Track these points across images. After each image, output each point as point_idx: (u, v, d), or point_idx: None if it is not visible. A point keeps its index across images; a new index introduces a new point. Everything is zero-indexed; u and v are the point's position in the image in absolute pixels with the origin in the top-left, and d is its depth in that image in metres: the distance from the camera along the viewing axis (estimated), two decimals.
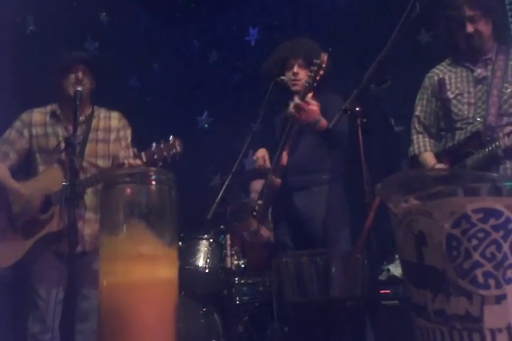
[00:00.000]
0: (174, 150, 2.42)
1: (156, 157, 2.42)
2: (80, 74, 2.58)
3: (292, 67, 2.70)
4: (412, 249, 0.64)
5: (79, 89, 2.48)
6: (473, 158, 2.33)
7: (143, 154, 2.45)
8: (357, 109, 1.98)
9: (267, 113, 2.66)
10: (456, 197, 0.60)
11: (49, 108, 2.71)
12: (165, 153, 2.42)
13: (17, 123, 2.66)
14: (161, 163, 2.42)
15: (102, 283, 0.65)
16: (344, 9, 4.45)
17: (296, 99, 2.52)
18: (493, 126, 2.36)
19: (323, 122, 2.47)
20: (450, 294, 0.59)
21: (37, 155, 2.61)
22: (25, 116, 2.68)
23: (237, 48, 5.03)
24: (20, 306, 2.61)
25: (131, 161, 2.42)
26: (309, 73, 2.47)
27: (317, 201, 2.58)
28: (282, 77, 2.68)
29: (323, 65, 2.40)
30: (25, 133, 2.63)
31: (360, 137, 1.95)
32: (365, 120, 1.99)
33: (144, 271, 0.64)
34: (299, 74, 2.68)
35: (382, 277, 3.05)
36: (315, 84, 2.47)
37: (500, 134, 2.28)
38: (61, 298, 2.43)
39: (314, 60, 2.46)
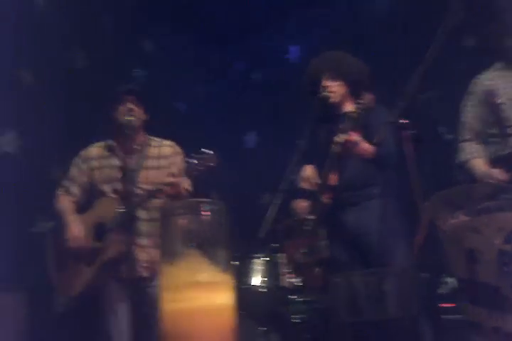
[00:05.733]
0: (209, 164, 2.50)
1: (191, 170, 2.50)
2: (130, 105, 2.68)
3: (321, 81, 2.70)
4: (463, 266, 0.64)
5: (129, 118, 2.59)
6: None
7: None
8: (404, 121, 1.97)
9: (312, 129, 2.68)
10: (502, 212, 0.61)
11: (104, 142, 2.84)
12: (200, 167, 2.50)
13: (76, 160, 2.82)
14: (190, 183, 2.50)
15: (162, 309, 0.69)
16: (386, 21, 4.43)
17: (339, 136, 2.48)
18: None
19: (367, 147, 2.44)
20: (506, 311, 0.59)
21: (96, 187, 2.74)
22: (83, 152, 2.84)
23: (280, 67, 5.09)
24: (88, 333, 2.70)
25: (167, 180, 2.51)
26: (354, 109, 2.46)
27: (370, 216, 2.56)
28: (324, 93, 2.69)
29: (366, 105, 2.38)
30: (84, 167, 2.78)
31: (410, 150, 1.93)
32: (413, 132, 1.97)
33: (201, 298, 0.68)
34: (330, 87, 2.68)
35: (443, 290, 2.97)
36: (358, 121, 2.44)
37: None
38: (129, 323, 2.50)
39: (357, 100, 2.46)
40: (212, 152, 2.55)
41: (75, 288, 2.57)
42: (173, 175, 2.51)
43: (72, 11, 4.11)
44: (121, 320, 2.50)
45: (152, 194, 2.54)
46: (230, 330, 0.66)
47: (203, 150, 2.55)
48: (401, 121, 1.94)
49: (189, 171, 2.52)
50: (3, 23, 3.59)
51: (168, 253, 0.68)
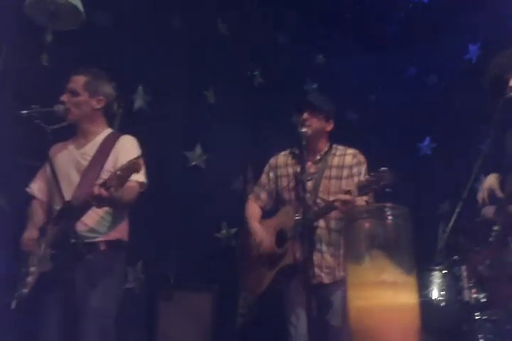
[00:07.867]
0: (383, 182, 2.38)
1: (364, 189, 2.42)
2: (305, 116, 2.75)
3: (507, 81, 2.49)
4: None
5: (302, 130, 2.68)
6: None
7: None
8: None
9: (497, 133, 2.50)
10: None
11: (290, 150, 2.96)
12: (373, 186, 2.40)
13: (266, 168, 3.00)
14: (371, 195, 2.42)
15: (349, 305, 0.74)
16: None
17: None
18: None
19: None
20: None
21: (281, 194, 2.87)
22: (272, 160, 3.00)
23: (457, 68, 4.82)
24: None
25: (342, 197, 2.46)
26: None
27: None
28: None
29: None
30: (271, 175, 2.94)
31: None
32: None
33: (386, 297, 0.70)
34: None
35: None
36: None
37: None
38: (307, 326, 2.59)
39: None
40: (386, 169, 2.42)
41: (259, 288, 2.74)
42: (348, 191, 2.46)
43: (249, 32, 4.42)
44: (301, 323, 2.59)
45: (328, 208, 2.57)
46: (414, 330, 0.67)
47: (380, 169, 2.42)
48: None
49: (362, 190, 2.44)
50: (191, 50, 4.02)
51: (354, 254, 0.72)
